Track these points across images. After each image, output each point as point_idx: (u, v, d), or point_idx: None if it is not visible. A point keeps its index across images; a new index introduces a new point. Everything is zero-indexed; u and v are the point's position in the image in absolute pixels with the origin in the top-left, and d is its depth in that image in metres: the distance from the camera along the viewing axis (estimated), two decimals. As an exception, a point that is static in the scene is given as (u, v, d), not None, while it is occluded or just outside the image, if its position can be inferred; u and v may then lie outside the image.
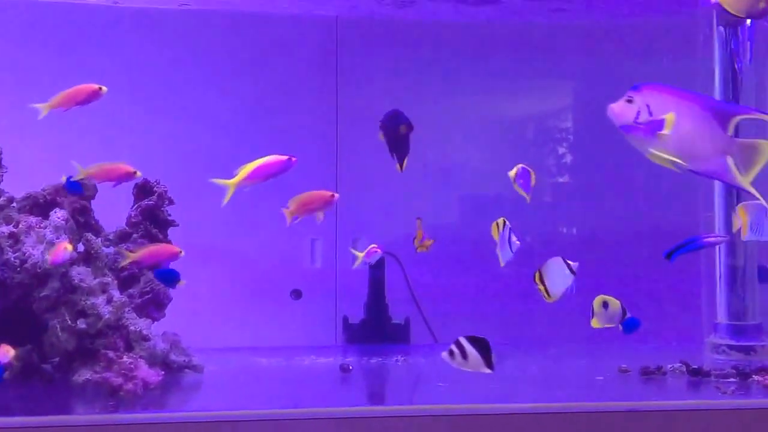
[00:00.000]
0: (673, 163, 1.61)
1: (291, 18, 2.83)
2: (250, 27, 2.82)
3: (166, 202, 2.35)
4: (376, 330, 2.75)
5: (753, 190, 1.66)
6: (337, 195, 2.10)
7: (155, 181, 2.36)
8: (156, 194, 2.33)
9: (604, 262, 2.83)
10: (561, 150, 3.13)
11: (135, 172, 2.11)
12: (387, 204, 2.91)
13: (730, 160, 1.64)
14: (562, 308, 2.82)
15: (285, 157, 2.00)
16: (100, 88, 2.02)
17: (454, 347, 1.65)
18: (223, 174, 2.05)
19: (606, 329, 2.75)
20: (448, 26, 2.90)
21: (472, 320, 2.81)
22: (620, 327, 2.08)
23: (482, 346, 1.66)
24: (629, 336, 2.63)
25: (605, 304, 1.96)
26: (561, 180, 3.12)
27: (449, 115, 2.96)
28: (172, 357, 2.16)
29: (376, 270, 2.77)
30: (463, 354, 1.65)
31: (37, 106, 2.03)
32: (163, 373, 2.04)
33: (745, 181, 1.64)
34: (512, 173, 2.09)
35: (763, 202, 1.75)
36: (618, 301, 1.98)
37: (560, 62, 2.99)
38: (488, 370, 1.66)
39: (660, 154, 1.62)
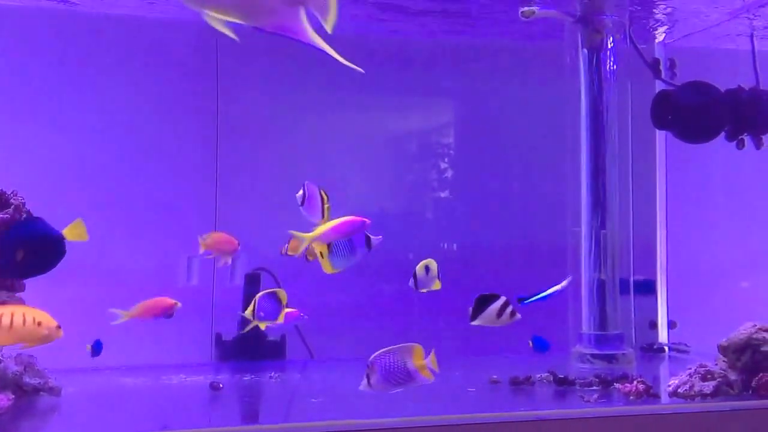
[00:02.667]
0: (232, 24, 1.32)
1: (169, 22, 2.74)
2: (125, 30, 2.71)
3: (24, 215, 2.21)
4: (250, 346, 2.69)
5: (331, 51, 1.42)
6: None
7: (12, 192, 2.21)
8: (12, 206, 2.18)
9: (478, 276, 2.89)
10: (442, 165, 3.18)
11: None
12: (265, 220, 2.86)
13: (302, 12, 1.37)
14: (437, 322, 2.88)
15: (360, 219, 2.00)
16: None
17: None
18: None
19: (484, 342, 2.83)
20: (332, 38, 2.88)
21: (349, 336, 2.80)
22: (530, 344, 2.18)
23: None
24: (504, 348, 2.71)
25: (427, 268, 1.99)
26: (441, 195, 3.16)
27: (331, 129, 2.96)
28: (26, 379, 2.03)
29: (252, 286, 2.71)
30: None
31: None
32: (13, 397, 1.92)
33: (318, 39, 1.39)
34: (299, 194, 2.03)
35: None
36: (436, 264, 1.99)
37: (439, 79, 3.05)
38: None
39: (216, 15, 1.31)
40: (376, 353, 1.75)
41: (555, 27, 2.74)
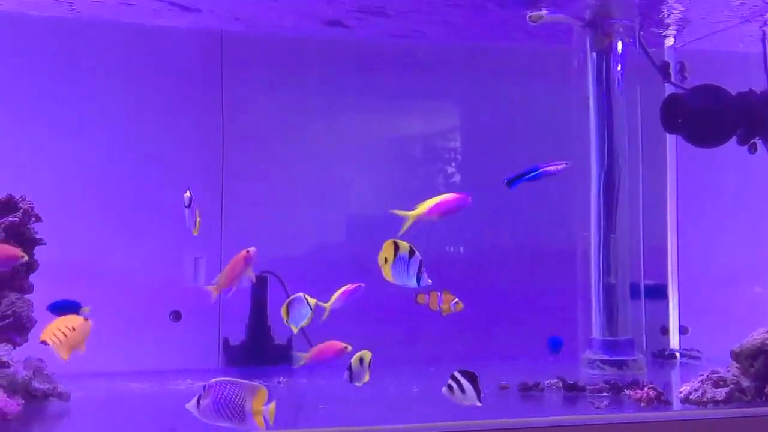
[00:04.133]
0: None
1: (173, 31, 2.74)
2: (130, 38, 2.71)
3: (33, 219, 2.22)
4: (257, 351, 2.68)
5: None
6: (252, 249, 2.10)
7: (20, 197, 2.22)
8: (21, 210, 2.19)
9: (488, 281, 2.88)
10: (447, 169, 3.16)
11: None
12: (271, 222, 2.85)
13: None
14: (445, 327, 2.87)
15: (461, 195, 2.05)
16: None
17: (451, 382, 1.81)
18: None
19: (492, 347, 2.82)
20: (335, 44, 2.89)
21: (356, 340, 2.78)
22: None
23: (473, 380, 1.79)
24: (515, 353, 2.70)
25: (361, 360, 1.99)
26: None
27: (335, 133, 2.95)
28: (35, 384, 2.03)
29: (259, 290, 2.71)
30: (461, 388, 1.79)
31: None
32: (23, 402, 1.91)
33: None
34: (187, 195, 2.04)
35: None
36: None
37: (444, 83, 3.04)
38: (478, 403, 1.78)
39: None
40: (219, 379, 1.63)
41: (563, 30, 2.72)
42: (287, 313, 2.09)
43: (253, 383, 1.63)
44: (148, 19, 2.63)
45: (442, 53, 2.96)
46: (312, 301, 2.08)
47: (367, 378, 1.98)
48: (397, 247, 1.88)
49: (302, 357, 2.15)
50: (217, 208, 2.79)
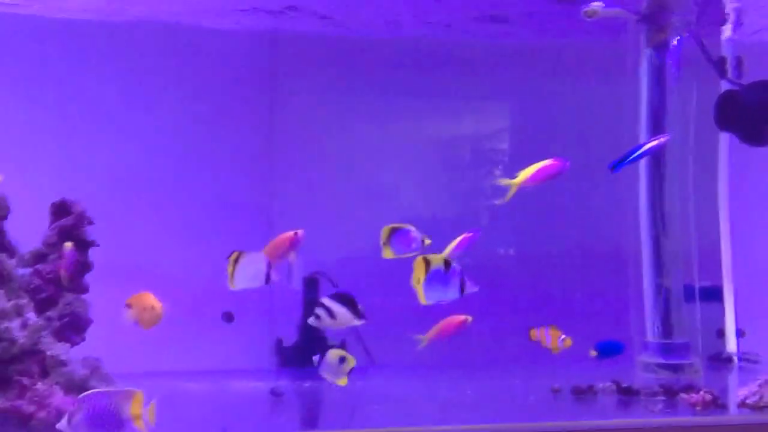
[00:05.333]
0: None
1: (225, 32, 2.77)
2: (179, 41, 2.75)
3: (86, 222, 2.26)
4: (310, 352, 2.69)
5: None
6: (301, 231, 2.07)
7: (74, 200, 2.27)
8: (74, 214, 2.24)
9: (538, 282, 2.85)
10: (496, 171, 3.14)
11: None
12: (322, 223, 2.87)
13: None
14: (497, 330, 2.85)
15: (560, 161, 2.04)
16: None
17: (319, 309, 1.71)
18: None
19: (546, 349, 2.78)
20: (385, 44, 2.90)
21: (409, 341, 2.78)
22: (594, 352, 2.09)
23: (348, 301, 1.71)
24: (566, 356, 2.66)
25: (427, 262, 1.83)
26: (497, 201, 3.13)
27: (385, 135, 2.96)
28: (92, 383, 2.07)
29: (311, 291, 2.72)
30: (331, 314, 1.71)
31: None
32: (80, 400, 1.95)
33: None
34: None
35: None
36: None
37: (494, 82, 3.02)
38: (359, 322, 1.70)
39: None
40: (90, 392, 1.58)
41: (617, 26, 2.68)
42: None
43: (128, 389, 1.59)
44: (203, 20, 2.67)
45: (492, 52, 2.94)
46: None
47: (342, 381, 1.88)
48: (428, 262, 1.78)
49: (424, 338, 2.12)
50: (266, 210, 2.82)
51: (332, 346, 2.72)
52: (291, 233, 2.03)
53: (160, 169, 2.74)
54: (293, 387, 2.40)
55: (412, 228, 1.93)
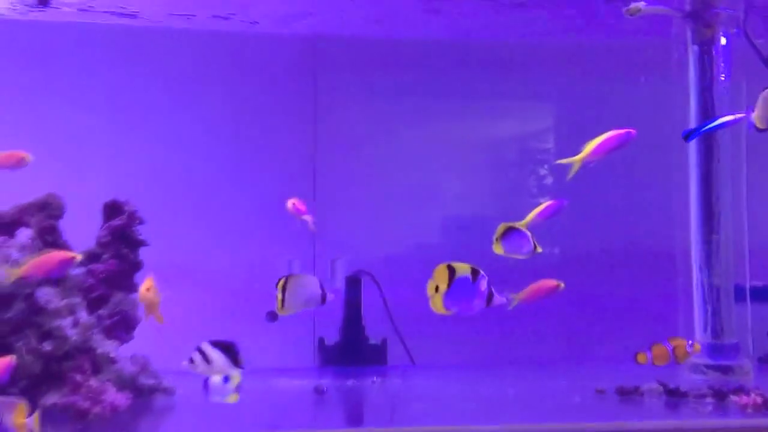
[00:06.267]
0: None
1: (268, 37, 2.81)
2: (225, 46, 2.80)
3: (137, 222, 2.32)
4: (352, 351, 2.72)
5: None
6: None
7: (125, 201, 2.32)
8: (126, 214, 2.29)
9: (583, 282, 2.82)
10: (541, 171, 3.12)
11: (24, 157, 2.02)
12: (365, 224, 2.89)
13: None
14: (540, 329, 2.83)
15: (624, 131, 1.98)
16: (25, 157, 2.02)
17: (195, 354, 1.64)
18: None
19: (590, 348, 2.76)
20: (428, 45, 2.90)
21: (449, 341, 2.79)
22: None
23: (227, 349, 1.65)
24: (614, 356, 2.63)
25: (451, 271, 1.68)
26: (541, 201, 3.11)
27: (429, 136, 2.96)
28: (142, 380, 2.12)
29: (353, 290, 2.74)
30: (207, 360, 1.65)
31: None
32: (131, 396, 2.00)
33: None
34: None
35: None
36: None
37: (538, 82, 3.00)
38: (238, 371, 1.64)
39: None
40: None
41: (661, 22, 2.64)
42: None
43: (9, 398, 1.59)
44: (249, 28, 2.71)
45: (537, 52, 2.93)
46: None
47: (233, 398, 1.78)
48: (452, 270, 1.63)
49: (515, 298, 2.07)
50: (310, 210, 2.84)
51: (374, 345, 2.75)
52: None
53: (207, 170, 2.79)
54: (335, 385, 2.42)
55: (529, 232, 1.93)
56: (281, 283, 1.77)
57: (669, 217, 2.62)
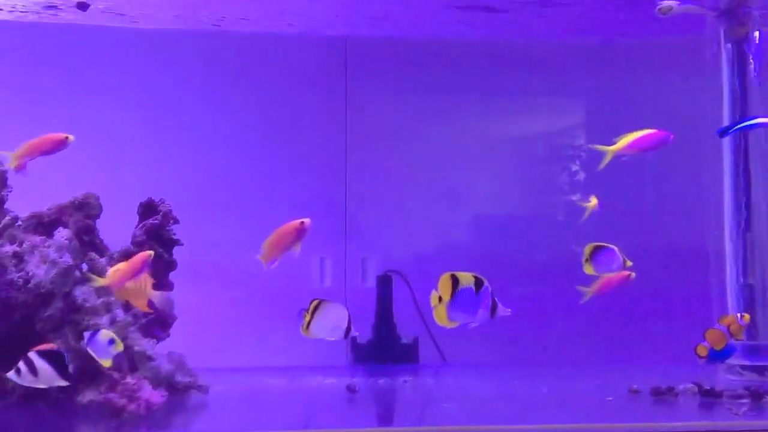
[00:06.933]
0: None
1: (299, 38, 2.83)
2: (257, 48, 2.83)
3: (171, 221, 2.34)
4: (384, 350, 2.73)
5: None
6: (307, 220, 1.95)
7: (160, 200, 2.35)
8: (161, 213, 2.32)
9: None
10: (572, 168, 3.11)
11: (66, 138, 1.97)
12: (395, 223, 2.90)
13: None
14: (574, 329, 2.82)
15: (663, 132, 2.00)
16: (67, 137, 1.97)
17: (21, 364, 1.60)
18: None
19: (617, 351, 2.74)
20: (456, 45, 2.90)
21: (481, 340, 2.78)
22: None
23: (56, 360, 1.61)
24: (652, 357, 2.60)
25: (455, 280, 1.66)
26: (573, 198, 3.10)
27: (459, 134, 2.96)
28: (177, 377, 2.14)
29: (384, 289, 2.75)
30: (33, 370, 1.62)
31: (5, 153, 2.03)
32: (167, 393, 2.02)
33: None
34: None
35: None
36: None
37: (567, 80, 2.99)
38: (64, 383, 1.62)
39: None
40: None
41: (694, 21, 2.62)
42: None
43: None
44: (283, 29, 2.73)
45: (566, 50, 2.91)
46: None
47: (107, 363, 1.77)
48: (456, 280, 1.61)
49: (588, 291, 2.10)
50: (341, 210, 2.86)
51: (405, 344, 2.76)
52: (297, 222, 1.94)
53: (240, 170, 2.82)
54: (368, 383, 2.43)
55: (615, 247, 1.96)
56: (313, 305, 1.77)
57: (702, 215, 2.60)
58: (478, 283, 1.62)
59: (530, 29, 2.79)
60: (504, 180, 3.03)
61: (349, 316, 1.79)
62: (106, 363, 1.81)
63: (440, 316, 1.61)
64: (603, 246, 1.96)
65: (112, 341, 1.81)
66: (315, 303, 1.79)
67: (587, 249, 1.95)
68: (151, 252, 1.95)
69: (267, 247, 1.93)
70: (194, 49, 2.80)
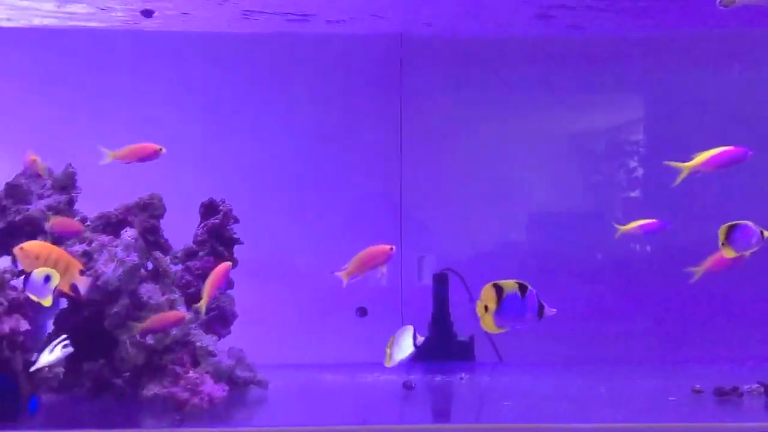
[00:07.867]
0: None
1: (354, 37, 2.85)
2: (313, 47, 2.86)
3: (232, 221, 2.39)
4: (440, 347, 2.73)
5: None
6: (394, 247, 2.00)
7: (221, 201, 2.40)
8: (221, 213, 2.37)
9: (679, 281, 2.75)
10: (631, 164, 3.06)
11: (160, 149, 2.14)
12: (451, 221, 2.90)
13: None
14: (633, 328, 2.77)
15: (740, 149, 1.99)
16: (161, 149, 2.14)
17: None
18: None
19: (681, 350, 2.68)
20: (511, 41, 2.88)
21: (538, 338, 2.76)
22: None
23: None
24: (712, 355, 2.54)
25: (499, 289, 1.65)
26: (632, 195, 3.05)
27: (514, 131, 2.94)
28: (237, 372, 2.19)
29: (440, 287, 2.76)
30: None
31: (104, 151, 2.12)
32: (228, 388, 2.07)
33: None
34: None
35: None
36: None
37: (626, 75, 2.94)
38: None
39: None
40: None
41: (758, 13, 2.55)
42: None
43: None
44: (335, 29, 2.76)
45: (624, 44, 2.87)
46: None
47: (47, 302, 1.73)
48: (500, 289, 1.62)
49: (697, 271, 2.09)
50: (397, 207, 2.87)
51: (461, 342, 2.75)
52: (387, 247, 1.99)
53: (297, 168, 2.85)
54: (424, 381, 2.44)
55: (749, 222, 1.89)
56: (389, 342, 1.85)
57: (765, 212, 2.53)
58: (522, 288, 1.64)
59: (590, 25, 2.76)
60: (562, 177, 2.99)
61: (414, 331, 1.85)
62: (46, 302, 1.76)
63: (488, 324, 1.64)
64: (736, 224, 1.88)
65: (48, 278, 1.75)
66: (390, 340, 1.86)
67: (721, 231, 1.89)
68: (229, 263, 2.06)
69: (353, 265, 1.99)
70: (253, 52, 2.85)
